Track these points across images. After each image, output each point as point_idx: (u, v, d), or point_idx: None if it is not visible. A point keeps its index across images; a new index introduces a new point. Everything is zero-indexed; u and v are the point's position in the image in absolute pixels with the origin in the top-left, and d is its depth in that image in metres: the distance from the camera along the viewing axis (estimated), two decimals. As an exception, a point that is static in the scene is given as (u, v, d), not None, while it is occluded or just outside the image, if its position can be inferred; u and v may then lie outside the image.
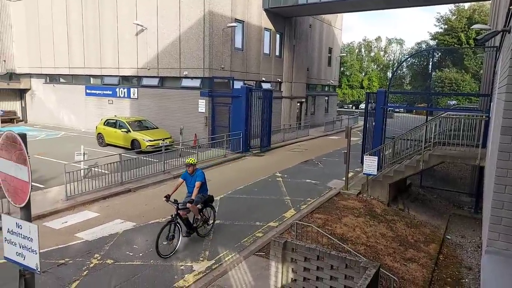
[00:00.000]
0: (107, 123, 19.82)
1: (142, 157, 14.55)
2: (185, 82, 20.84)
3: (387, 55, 72.29)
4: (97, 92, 24.79)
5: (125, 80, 23.62)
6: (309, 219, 9.95)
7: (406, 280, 7.77)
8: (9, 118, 28.18)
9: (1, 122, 26.20)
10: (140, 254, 7.71)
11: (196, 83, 20.42)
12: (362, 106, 56.43)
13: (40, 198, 10.70)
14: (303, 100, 29.52)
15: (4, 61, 27.93)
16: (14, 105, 29.24)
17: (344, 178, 13.18)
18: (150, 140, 17.84)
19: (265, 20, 24.20)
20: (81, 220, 9.59)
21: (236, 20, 21.25)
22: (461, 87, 44.35)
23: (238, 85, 20.69)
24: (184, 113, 20.89)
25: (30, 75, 28.45)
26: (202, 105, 20.23)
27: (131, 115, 22.14)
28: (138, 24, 21.37)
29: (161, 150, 14.80)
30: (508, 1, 6.34)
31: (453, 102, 39.73)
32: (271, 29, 24.95)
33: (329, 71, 35.51)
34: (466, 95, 42.43)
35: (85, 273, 6.90)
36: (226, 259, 7.62)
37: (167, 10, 20.54)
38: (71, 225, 9.23)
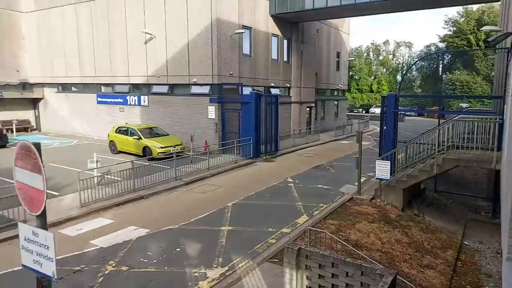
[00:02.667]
0: (119, 130, 20.03)
1: (153, 164, 14.67)
2: (195, 89, 20.98)
3: (395, 58, 71.93)
4: (108, 100, 25.10)
5: (136, 88, 23.89)
6: (322, 225, 9.87)
7: (423, 287, 7.63)
8: (23, 127, 28.67)
9: (16, 131, 26.67)
10: (154, 261, 7.73)
11: (205, 89, 20.54)
12: (372, 110, 56.15)
13: (55, 206, 10.82)
14: (313, 105, 29.45)
15: (17, 71, 28.47)
16: (27, 114, 29.74)
17: (356, 183, 13.06)
18: (161, 147, 17.96)
19: (272, 26, 24.30)
20: (95, 227, 9.67)
21: (244, 27, 21.38)
22: (472, 89, 43.78)
23: (247, 91, 20.78)
24: (194, 119, 21.01)
25: (42, 85, 28.95)
26: (212, 111, 20.33)
27: (142, 123, 22.35)
28: (147, 33, 21.64)
29: (172, 157, 14.90)
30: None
31: (465, 104, 39.25)
32: (278, 35, 25.03)
33: (338, 75, 35.40)
34: (478, 98, 41.86)
35: (100, 280, 6.94)
36: (240, 265, 7.59)
37: (175, 18, 20.77)
38: (85, 232, 9.31)
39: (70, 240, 8.77)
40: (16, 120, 27.56)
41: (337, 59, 34.79)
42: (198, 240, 8.86)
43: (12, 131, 26.22)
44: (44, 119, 29.73)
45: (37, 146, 3.36)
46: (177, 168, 14.48)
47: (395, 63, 71.57)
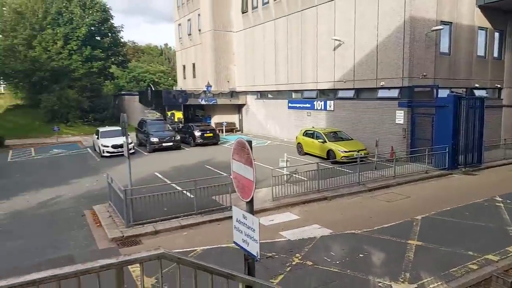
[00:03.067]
0: (306, 133, 21.34)
1: (337, 167, 14.95)
2: (382, 93, 20.20)
3: None
4: (298, 105, 27.09)
5: (322, 93, 24.90)
6: (545, 259, 7.85)
7: None
8: (230, 128, 34.28)
9: (225, 132, 32.17)
10: (337, 262, 7.90)
11: (394, 93, 19.48)
12: None
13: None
14: (534, 109, 23.64)
15: (228, 81, 34.24)
16: (233, 118, 35.39)
17: None
18: (345, 151, 18.11)
19: (479, 17, 20.82)
20: (284, 220, 10.65)
21: (442, 23, 19.14)
22: None
23: (443, 93, 18.53)
24: (379, 124, 20.27)
25: (246, 93, 33.81)
26: (400, 116, 19.10)
27: (327, 127, 23.11)
28: (336, 39, 22.19)
29: (355, 162, 14.84)
30: None
31: None
32: (487, 28, 21.27)
33: None
34: None
35: (288, 269, 7.60)
36: (431, 286, 6.88)
37: (365, 22, 20.51)
38: (276, 223, 10.38)
39: (264, 228, 9.93)
40: (225, 122, 33.17)
41: None
42: (382, 249, 8.52)
43: (222, 132, 31.73)
44: (245, 122, 34.66)
45: (250, 143, 4.02)
46: (360, 173, 14.32)
47: None
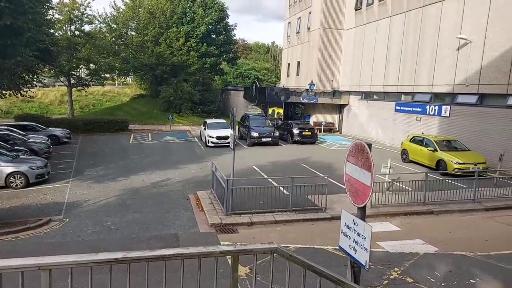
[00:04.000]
0: (413, 140, 19.71)
1: (448, 180, 13.46)
2: (513, 100, 17.45)
3: None
4: (406, 109, 25.14)
5: (437, 97, 22.64)
6: None
7: None
8: (329, 128, 33.61)
9: (323, 131, 31.68)
10: (443, 284, 7.13)
11: (530, 101, 16.66)
12: None
13: (349, 201, 12.05)
14: None
15: (332, 80, 33.56)
16: (333, 118, 34.58)
17: None
18: (459, 163, 16.20)
19: None
20: (383, 230, 10.04)
21: None
22: None
23: None
24: (507, 136, 17.60)
25: (349, 93, 32.69)
26: (536, 128, 16.26)
27: (439, 134, 20.97)
28: (462, 38, 19.85)
29: (472, 176, 13.16)
30: None
31: None
32: None
33: None
34: None
35: (385, 282, 7.14)
36: None
37: (501, 19, 17.88)
38: (374, 232, 9.71)
39: (360, 235, 9.51)
40: (324, 122, 32.63)
41: None
42: (498, 278, 7.40)
43: (320, 131, 31.30)
44: (345, 123, 33.59)
45: (370, 146, 3.83)
46: (476, 190, 12.65)
47: None
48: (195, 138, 27.71)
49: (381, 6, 27.66)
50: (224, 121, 26.26)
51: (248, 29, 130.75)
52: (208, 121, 26.03)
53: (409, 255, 8.43)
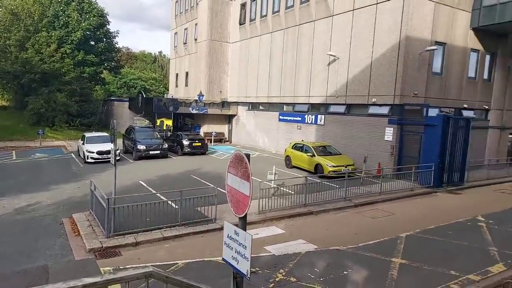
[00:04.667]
0: (295, 147, 21.33)
1: (324, 182, 14.90)
2: (373, 109, 20.39)
3: None
4: (288, 118, 27.17)
5: (314, 107, 25.03)
6: (527, 282, 7.84)
7: None
8: (219, 139, 34.12)
9: (213, 141, 31.99)
10: (321, 279, 7.77)
11: (385, 110, 19.69)
12: None
13: (238, 209, 12.35)
14: (519, 131, 24.15)
15: (220, 91, 34.24)
16: (223, 128, 35.27)
17: None
18: (333, 166, 18.12)
19: (472, 40, 21.33)
20: (269, 234, 10.49)
21: (437, 43, 19.55)
22: None
23: (432, 113, 18.81)
24: (368, 140, 20.40)
25: (237, 103, 33.81)
26: (389, 133, 19.27)
27: (316, 140, 23.16)
28: (331, 55, 22.44)
29: (343, 177, 14.81)
30: None
31: None
32: (479, 50, 21.78)
33: (561, 95, 27.94)
34: None
35: (271, 285, 7.43)
36: (413, 306, 6.79)
37: (361, 39, 20.82)
38: (261, 237, 10.21)
39: (248, 242, 9.76)
40: (215, 132, 33.02)
41: (561, 75, 27.55)
42: (366, 267, 8.43)
43: (211, 141, 31.54)
44: (234, 133, 34.57)
45: (248, 156, 3.90)
46: (347, 189, 14.29)
47: None
48: (72, 154, 24.98)
49: (262, 22, 29.47)
50: (106, 134, 24.29)
51: (133, 37, 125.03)
52: (87, 134, 23.77)
53: (293, 255, 8.98)
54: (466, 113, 21.72)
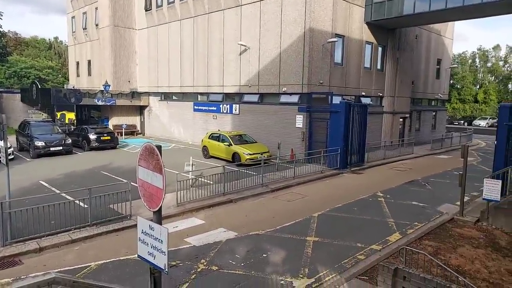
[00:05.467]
0: (212, 136, 21.27)
1: (242, 170, 15.20)
2: (284, 98, 21.29)
3: (507, 65, 63.54)
4: (203, 108, 26.89)
5: (228, 97, 25.17)
6: (417, 245, 9.12)
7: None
8: (131, 131, 32.30)
9: (124, 134, 30.18)
10: (242, 264, 7.96)
11: (295, 98, 20.70)
12: (477, 122, 50.51)
13: (155, 203, 11.91)
14: (407, 115, 27.59)
15: (129, 81, 32.29)
16: (134, 120, 33.45)
17: (457, 203, 11.81)
18: (250, 154, 18.55)
19: (367, 33, 23.49)
20: (189, 226, 10.36)
21: (337, 35, 21.08)
22: None
23: (336, 100, 20.37)
24: (281, 128, 21.31)
25: (148, 94, 32.29)
26: (300, 120, 20.37)
27: (232, 130, 23.40)
28: (242, 45, 22.70)
29: (259, 164, 15.27)
30: None
31: None
32: (372, 42, 24.10)
33: (437, 84, 32.62)
34: None
35: (193, 276, 7.38)
36: (327, 279, 7.39)
37: (269, 30, 21.42)
38: (181, 229, 10.03)
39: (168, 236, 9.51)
40: (125, 124, 31.17)
41: (437, 66, 32.15)
42: (284, 248, 8.89)
43: (121, 134, 29.70)
44: (147, 124, 33.07)
45: (159, 148, 3.74)
46: (264, 175, 14.79)
47: (507, 70, 63.25)
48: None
49: (170, 9, 28.41)
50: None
51: (22, 21, 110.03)
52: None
53: (214, 244, 9.03)
54: (364, 100, 24.00)
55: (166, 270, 3.72)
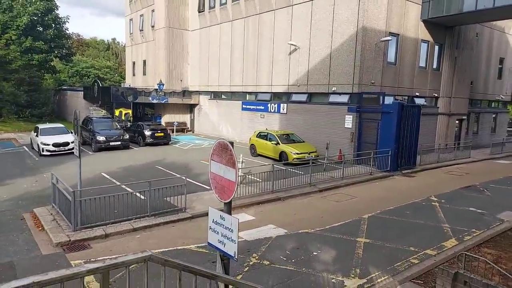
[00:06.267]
0: (259, 135, 21.61)
1: (289, 169, 15.34)
2: (333, 98, 21.09)
3: None
4: (252, 107, 27.34)
5: (276, 96, 25.38)
6: (475, 252, 8.72)
7: None
8: (181, 128, 33.62)
9: (176, 131, 31.49)
10: (293, 260, 8.12)
11: (344, 98, 20.44)
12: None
13: (208, 198, 12.37)
14: (464, 117, 26.14)
15: (181, 80, 33.61)
16: (184, 118, 34.76)
17: (522, 211, 11.06)
18: (297, 153, 18.63)
19: (423, 31, 22.57)
20: (240, 221, 10.62)
21: (391, 34, 20.49)
22: None
23: (388, 100, 19.84)
24: (330, 128, 21.13)
25: (199, 92, 33.40)
26: (349, 120, 20.08)
27: (280, 129, 23.59)
28: (292, 44, 22.78)
29: (307, 163, 15.32)
30: None
31: None
32: (429, 41, 23.11)
33: (499, 84, 30.51)
34: None
35: (246, 269, 7.67)
36: (379, 280, 7.33)
37: (321, 29, 21.31)
38: (232, 224, 10.38)
39: (220, 229, 9.91)
40: (176, 122, 32.48)
41: (500, 65, 30.08)
42: (334, 247, 8.91)
43: (172, 131, 31.02)
44: (197, 122, 34.22)
45: (232, 144, 4.03)
46: (311, 175, 14.81)
47: None
48: (25, 147, 23.55)
49: (222, 10, 29.16)
50: (61, 125, 23.11)
51: (83, 23, 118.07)
52: (41, 126, 22.48)
53: (264, 240, 9.27)
54: (418, 101, 23.09)
55: (236, 257, 3.99)
